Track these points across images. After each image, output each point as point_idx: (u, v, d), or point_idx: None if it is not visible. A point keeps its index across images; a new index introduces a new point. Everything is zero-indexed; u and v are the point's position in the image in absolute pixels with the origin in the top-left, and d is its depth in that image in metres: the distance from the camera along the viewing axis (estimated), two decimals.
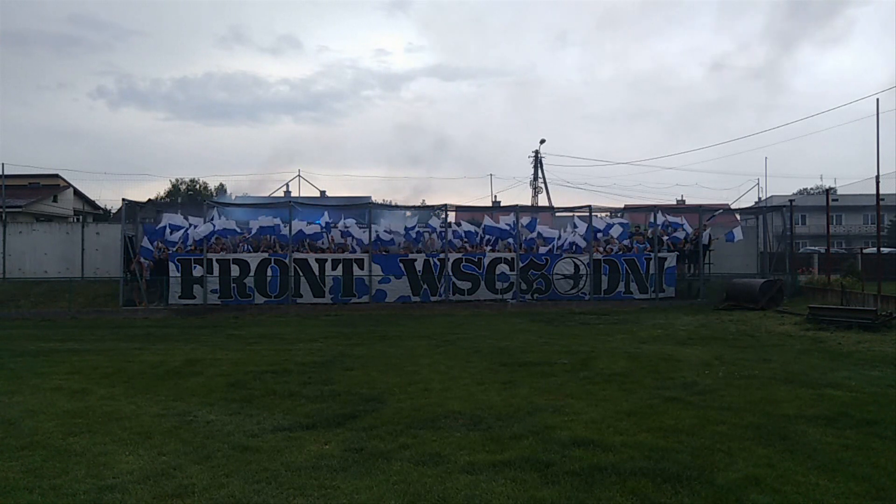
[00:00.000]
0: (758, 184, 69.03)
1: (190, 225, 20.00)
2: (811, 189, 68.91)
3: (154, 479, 4.79)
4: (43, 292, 20.57)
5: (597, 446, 5.40)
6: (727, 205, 43.59)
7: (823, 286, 19.62)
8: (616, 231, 21.72)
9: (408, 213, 23.63)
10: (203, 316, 18.26)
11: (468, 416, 6.49)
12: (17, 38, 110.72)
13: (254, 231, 20.60)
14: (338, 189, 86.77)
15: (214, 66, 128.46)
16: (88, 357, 10.69)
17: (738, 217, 28.90)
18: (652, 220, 21.92)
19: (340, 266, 19.85)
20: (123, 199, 20.98)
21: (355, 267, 19.89)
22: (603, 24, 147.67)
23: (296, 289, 19.57)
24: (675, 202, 44.98)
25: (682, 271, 22.07)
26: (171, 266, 19.08)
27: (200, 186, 65.86)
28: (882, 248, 21.51)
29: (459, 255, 20.49)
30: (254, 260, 19.55)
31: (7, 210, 33.61)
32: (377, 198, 47.42)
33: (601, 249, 21.33)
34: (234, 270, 19.31)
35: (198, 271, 19.15)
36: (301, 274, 19.62)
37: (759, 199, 53.00)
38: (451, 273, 20.19)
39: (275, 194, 45.80)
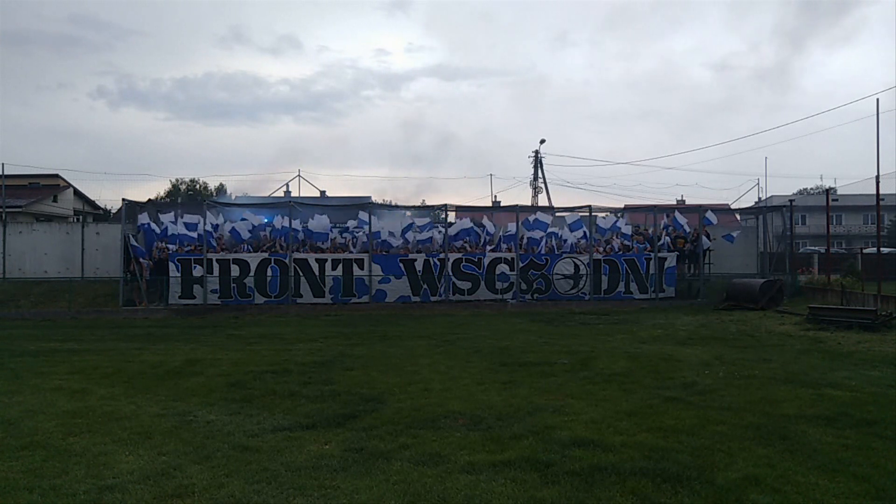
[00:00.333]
0: (758, 184, 69.20)
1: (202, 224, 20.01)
2: (811, 189, 68.95)
3: (154, 479, 4.79)
4: (43, 292, 20.56)
5: (597, 446, 5.40)
6: (727, 205, 43.65)
7: (823, 286, 19.62)
8: (627, 229, 21.82)
9: (408, 213, 23.61)
10: (203, 316, 18.26)
11: (468, 416, 6.48)
12: (17, 38, 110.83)
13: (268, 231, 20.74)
14: (338, 189, 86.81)
15: (214, 66, 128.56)
16: (88, 357, 10.69)
17: (738, 217, 28.93)
18: (665, 220, 22.05)
19: (340, 266, 19.85)
20: (123, 199, 21.00)
21: (355, 267, 19.89)
22: (604, 24, 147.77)
23: (296, 289, 19.57)
24: (675, 202, 44.97)
25: (682, 271, 22.08)
26: (171, 266, 19.08)
27: (200, 186, 65.88)
28: (882, 248, 21.51)
29: (459, 255, 20.49)
30: (254, 260, 19.56)
31: (7, 210, 33.61)
32: (377, 198, 47.39)
33: (601, 249, 21.34)
34: (234, 270, 19.32)
35: (198, 271, 19.15)
36: (301, 274, 19.62)
37: (759, 199, 53.02)
38: (451, 273, 20.19)
39: (275, 194, 45.85)
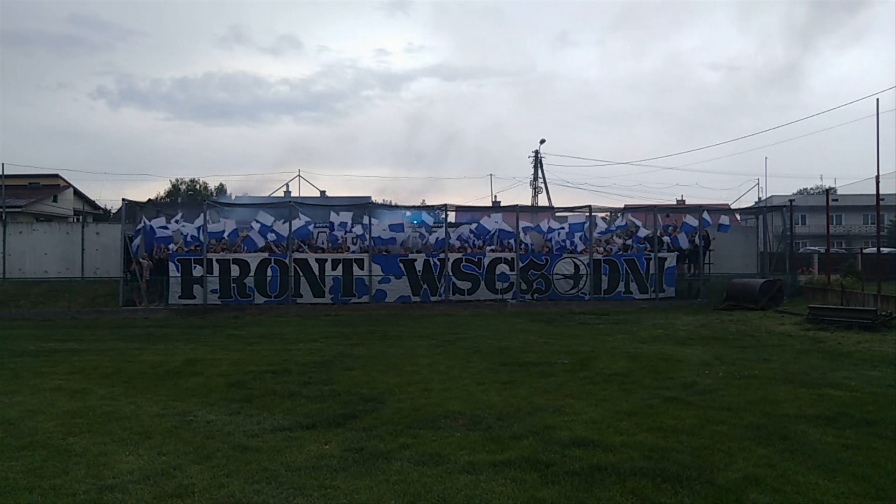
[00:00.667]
0: (758, 184, 69.21)
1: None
2: (811, 189, 68.94)
3: (154, 479, 4.79)
4: (43, 292, 20.56)
5: (597, 446, 5.40)
6: (727, 205, 43.64)
7: (823, 286, 19.62)
8: (643, 233, 21.83)
9: (408, 213, 23.63)
10: (203, 316, 18.26)
11: (468, 416, 6.48)
12: (17, 38, 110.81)
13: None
14: (338, 189, 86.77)
15: (214, 66, 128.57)
16: (88, 357, 10.69)
17: (738, 217, 28.92)
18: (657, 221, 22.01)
19: (340, 266, 19.85)
20: (123, 199, 20.99)
21: (355, 267, 19.89)
22: (605, 24, 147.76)
23: (296, 289, 19.57)
24: (675, 202, 44.96)
25: (682, 271, 22.08)
26: (171, 266, 19.09)
27: (200, 186, 65.92)
28: (882, 248, 21.50)
29: (459, 255, 20.50)
30: (254, 260, 19.55)
31: (7, 210, 33.61)
32: (378, 198, 47.44)
33: (601, 249, 21.34)
34: (234, 270, 19.31)
35: (198, 271, 19.15)
36: (301, 274, 19.62)
37: (759, 199, 53.03)
38: (451, 273, 20.19)
39: (275, 194, 45.87)
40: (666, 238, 21.65)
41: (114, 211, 43.40)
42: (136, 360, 10.22)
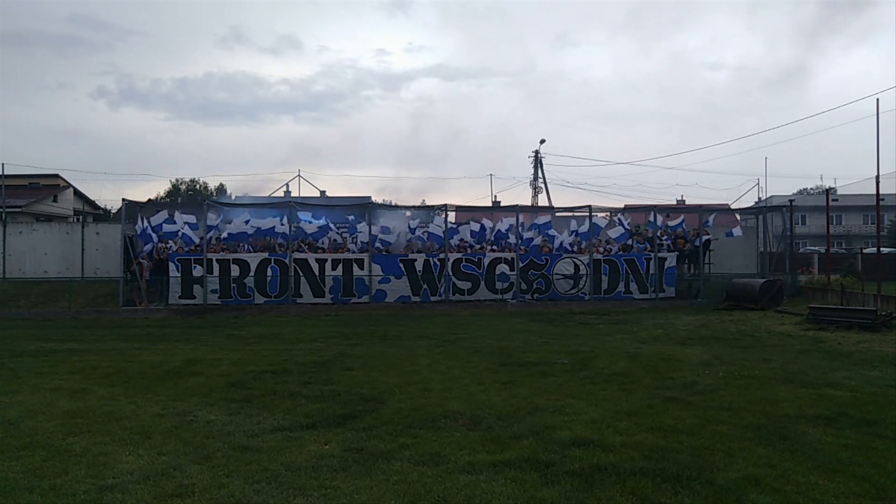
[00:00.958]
0: (758, 184, 69.21)
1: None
2: (811, 189, 68.94)
3: (154, 479, 4.79)
4: (43, 292, 20.57)
5: (597, 446, 5.40)
6: (727, 205, 43.65)
7: (823, 286, 19.62)
8: (616, 232, 21.76)
9: (407, 213, 23.63)
10: (203, 316, 18.26)
11: (468, 416, 6.48)
12: (17, 38, 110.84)
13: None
14: (338, 189, 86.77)
15: (214, 66, 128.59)
16: (88, 357, 10.69)
17: (738, 217, 28.92)
18: (652, 220, 22.00)
19: (340, 266, 19.85)
20: (123, 199, 20.98)
21: (355, 267, 19.89)
22: (605, 24, 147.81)
23: (296, 289, 19.57)
24: (675, 202, 44.98)
25: (682, 271, 22.08)
26: (171, 266, 19.09)
27: (200, 186, 65.93)
28: (882, 248, 21.50)
29: (459, 255, 20.49)
30: (254, 260, 19.55)
31: (7, 210, 33.61)
32: (378, 198, 47.46)
33: (601, 249, 21.34)
34: (234, 270, 19.31)
35: (198, 271, 19.15)
36: (301, 274, 19.62)
37: (759, 199, 53.03)
38: (451, 273, 20.19)
39: (275, 194, 45.89)
40: (666, 240, 21.65)
41: (114, 211, 43.42)
42: (136, 360, 10.22)
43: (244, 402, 7.25)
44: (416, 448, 5.43)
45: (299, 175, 48.25)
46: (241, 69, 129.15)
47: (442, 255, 20.31)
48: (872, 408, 6.69)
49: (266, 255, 19.75)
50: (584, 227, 21.48)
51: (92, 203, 48.13)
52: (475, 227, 21.88)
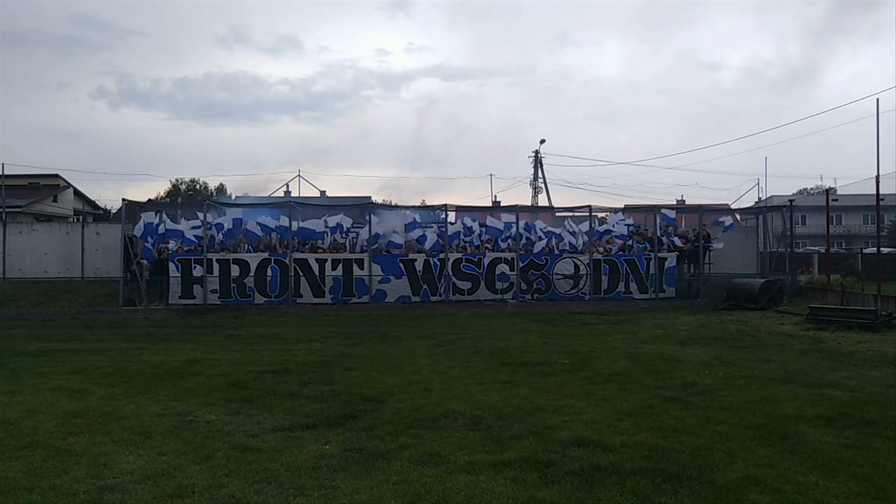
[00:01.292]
0: (758, 184, 69.22)
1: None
2: (811, 189, 68.93)
3: (154, 479, 4.79)
4: (43, 292, 20.56)
5: (597, 446, 5.40)
6: (727, 205, 43.63)
7: (823, 286, 19.61)
8: (620, 229, 21.81)
9: (407, 213, 23.62)
10: (203, 316, 18.26)
11: (468, 416, 6.48)
12: (18, 38, 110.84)
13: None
14: (338, 189, 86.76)
15: (214, 66, 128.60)
16: (88, 357, 10.69)
17: (738, 217, 28.88)
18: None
19: (340, 266, 19.85)
20: (123, 199, 20.98)
21: (355, 267, 19.89)
22: (605, 24, 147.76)
23: (296, 289, 19.57)
24: (675, 202, 44.96)
25: (682, 271, 22.08)
26: (171, 266, 19.08)
27: (200, 186, 65.91)
28: (882, 248, 21.48)
29: (459, 255, 20.49)
30: (254, 260, 19.55)
31: (7, 210, 33.59)
32: (378, 198, 47.47)
33: (601, 249, 21.34)
34: (234, 270, 19.31)
35: (198, 271, 19.14)
36: (301, 274, 19.62)
37: (759, 199, 53.02)
38: (451, 273, 20.18)
39: (275, 194, 45.91)
40: (673, 239, 21.66)
41: (114, 211, 43.42)
42: (136, 360, 10.22)
43: (244, 402, 7.25)
44: (416, 448, 5.43)
45: (299, 175, 48.32)
46: (241, 69, 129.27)
47: (442, 255, 20.31)
48: (872, 408, 6.69)
49: (266, 255, 19.75)
50: (585, 228, 21.54)
51: (92, 203, 48.11)
52: (474, 225, 21.89)
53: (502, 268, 20.46)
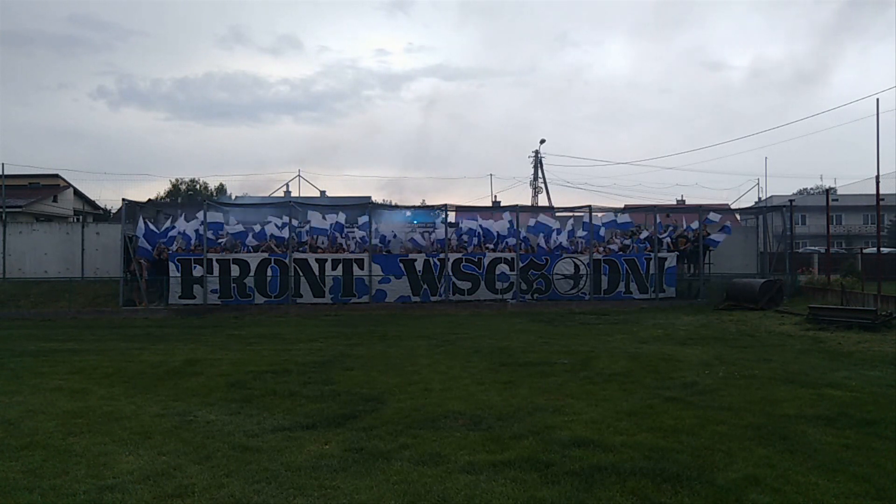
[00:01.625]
0: (758, 184, 69.26)
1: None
2: (811, 189, 68.92)
3: (154, 479, 4.79)
4: (43, 292, 20.56)
5: (597, 446, 5.40)
6: (727, 205, 43.65)
7: (823, 286, 19.60)
8: (622, 220, 21.88)
9: (408, 213, 23.61)
10: (203, 316, 18.25)
11: (468, 416, 6.48)
12: (18, 38, 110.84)
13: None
14: (338, 189, 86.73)
15: (214, 66, 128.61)
16: (88, 357, 10.69)
17: (738, 217, 28.89)
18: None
19: (340, 266, 19.85)
20: (123, 199, 20.97)
21: (355, 267, 19.89)
22: (605, 24, 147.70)
23: (296, 289, 19.56)
24: (675, 202, 44.97)
25: (682, 271, 22.07)
26: (171, 266, 19.08)
27: (200, 186, 65.93)
28: (882, 248, 21.48)
29: (459, 255, 20.48)
30: (254, 260, 19.55)
31: (7, 210, 33.60)
32: (378, 198, 47.48)
33: (601, 249, 21.34)
34: (234, 270, 19.31)
35: (198, 271, 19.14)
36: (301, 274, 19.62)
37: (759, 199, 53.01)
38: (451, 273, 20.18)
39: (275, 194, 45.91)
40: (665, 238, 21.65)
41: (114, 211, 43.42)
42: (136, 360, 10.22)
43: (244, 402, 7.25)
44: (416, 448, 5.43)
45: (299, 175, 48.30)
46: (241, 69, 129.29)
47: (442, 255, 20.31)
48: (872, 408, 6.69)
49: (266, 255, 19.75)
50: (584, 231, 21.54)
51: (92, 203, 48.12)
52: (473, 225, 21.91)
53: (502, 268, 20.46)
